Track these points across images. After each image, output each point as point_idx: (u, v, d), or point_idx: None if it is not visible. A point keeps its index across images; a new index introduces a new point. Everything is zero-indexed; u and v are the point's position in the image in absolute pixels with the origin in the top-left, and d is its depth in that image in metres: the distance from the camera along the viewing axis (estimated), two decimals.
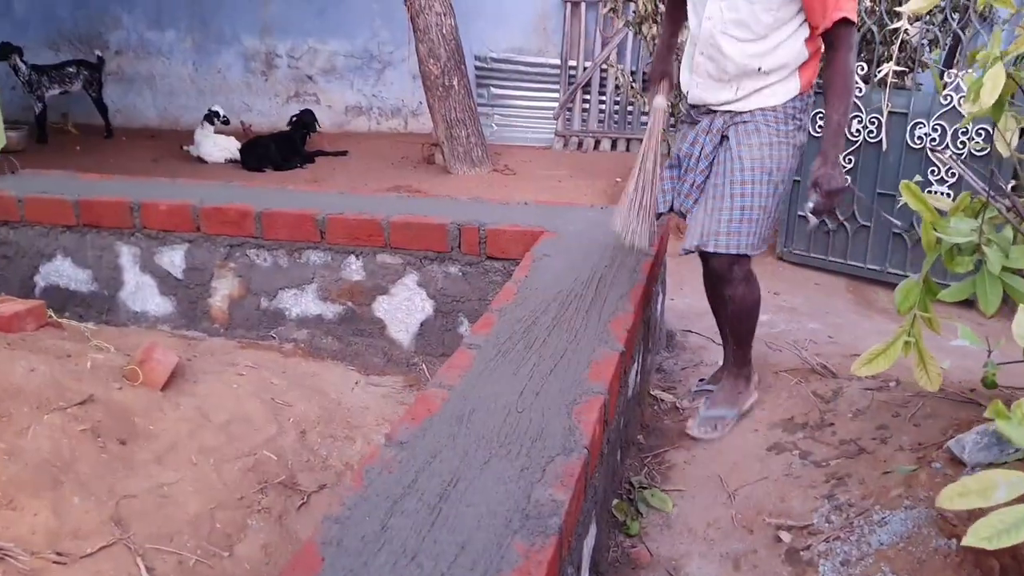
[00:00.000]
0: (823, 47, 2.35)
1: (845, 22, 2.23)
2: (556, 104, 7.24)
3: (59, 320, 2.80)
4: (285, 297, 3.20)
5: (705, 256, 2.52)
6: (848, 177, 2.37)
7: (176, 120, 7.98)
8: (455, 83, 5.91)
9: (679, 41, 2.70)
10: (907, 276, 3.90)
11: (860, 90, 3.77)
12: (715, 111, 2.45)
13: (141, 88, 8.13)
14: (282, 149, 6.44)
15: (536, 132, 7.37)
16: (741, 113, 2.42)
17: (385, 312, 3.14)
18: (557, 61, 7.20)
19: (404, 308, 3.12)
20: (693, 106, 2.56)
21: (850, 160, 3.85)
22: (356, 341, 3.17)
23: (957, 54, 4.26)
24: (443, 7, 5.78)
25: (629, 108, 7.01)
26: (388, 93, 7.76)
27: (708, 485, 2.28)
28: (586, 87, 7.15)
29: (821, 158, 2.32)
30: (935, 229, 1.49)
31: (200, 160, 6.72)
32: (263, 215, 3.11)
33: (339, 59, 7.72)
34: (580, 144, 7.14)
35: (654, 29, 4.58)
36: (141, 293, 3.32)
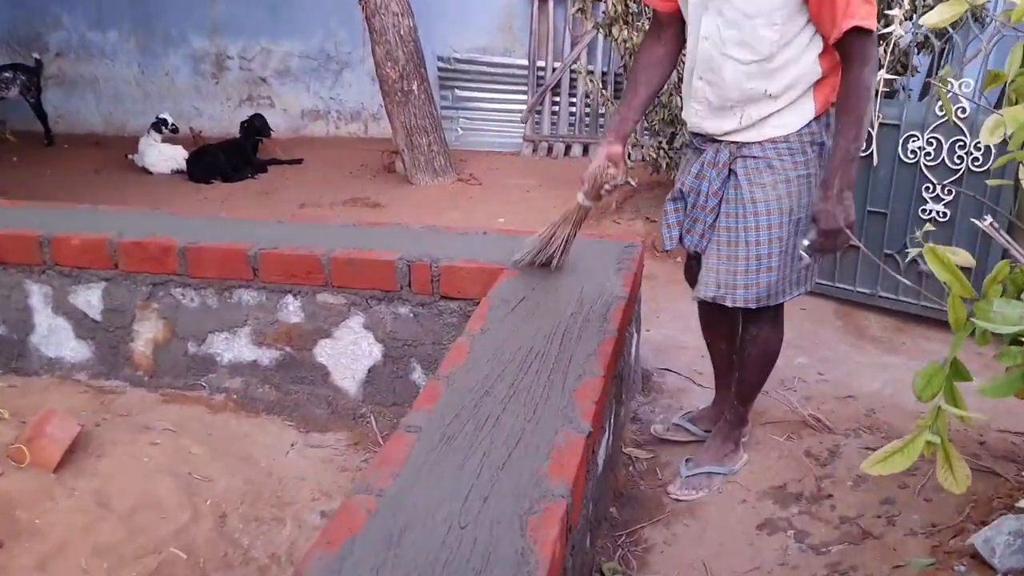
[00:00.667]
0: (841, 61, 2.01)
1: (858, 31, 1.90)
2: (524, 107, 6.90)
3: None
4: (216, 341, 2.85)
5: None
6: (851, 214, 2.06)
7: (123, 126, 7.54)
8: (415, 88, 5.55)
9: (646, 99, 2.33)
10: (899, 300, 3.70)
11: None
12: (720, 140, 2.16)
13: (84, 92, 7.67)
14: (232, 158, 6.05)
15: (503, 136, 7.02)
16: (749, 145, 2.11)
17: (328, 357, 2.80)
18: (524, 61, 6.86)
19: (349, 353, 2.78)
20: (695, 134, 2.26)
21: None
22: (296, 390, 2.83)
23: (945, 58, 3.99)
24: (400, 7, 5.42)
25: (601, 111, 6.69)
26: (347, 96, 7.38)
27: (691, 575, 1.97)
28: (555, 89, 6.82)
29: (823, 190, 2.02)
30: (977, 316, 1.18)
31: (145, 171, 6.31)
32: (188, 250, 2.76)
33: (294, 60, 7.31)
34: (550, 149, 6.81)
35: (624, 32, 4.27)
36: (55, 337, 2.95)
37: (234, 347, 2.85)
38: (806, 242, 2.08)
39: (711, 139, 2.19)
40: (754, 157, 2.11)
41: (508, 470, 1.56)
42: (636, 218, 4.73)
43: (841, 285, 3.65)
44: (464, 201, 5.45)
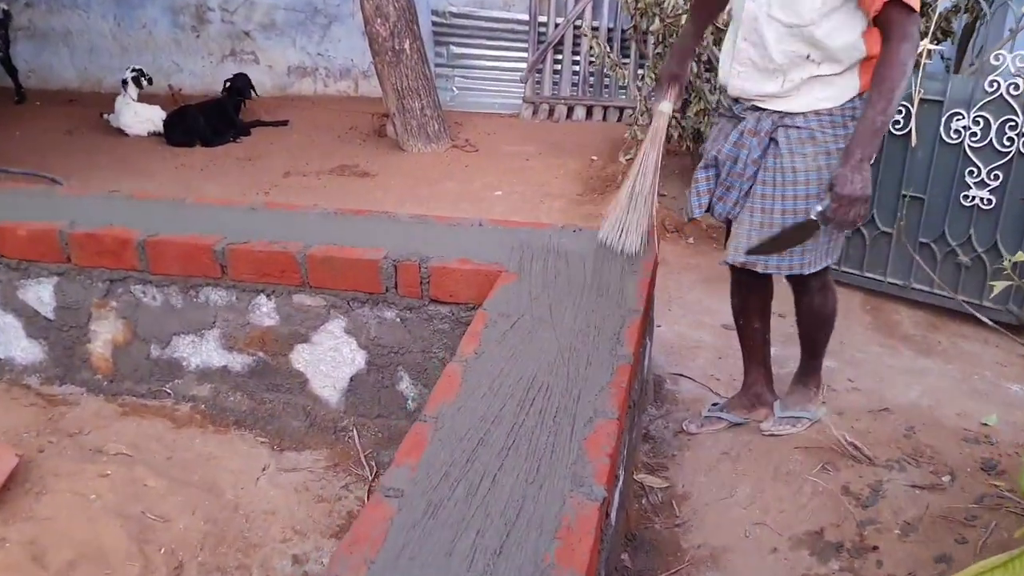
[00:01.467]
0: None
1: (899, 6, 1.89)
2: (524, 66, 6.51)
3: None
4: (181, 344, 2.56)
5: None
6: (868, 187, 1.98)
7: (98, 82, 7.13)
8: (406, 47, 5.17)
9: (704, 38, 2.38)
10: (933, 294, 3.37)
11: None
12: (762, 109, 2.15)
13: (57, 46, 7.24)
14: (213, 120, 5.68)
15: (502, 98, 6.65)
16: (793, 115, 2.11)
17: (306, 364, 2.51)
18: (525, 16, 6.45)
19: (329, 360, 2.50)
20: (736, 100, 2.23)
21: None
22: (271, 399, 2.55)
23: (980, 25, 3.64)
24: None
25: (607, 72, 6.30)
26: (335, 52, 6.96)
27: None
28: (558, 47, 6.42)
29: (845, 156, 2.00)
30: None
31: (121, 132, 5.94)
32: (147, 243, 2.45)
33: (279, 13, 6.88)
34: (551, 112, 6.44)
35: None
36: (3, 336, 2.67)
37: (202, 351, 2.56)
38: (819, 207, 2.04)
39: (753, 107, 2.17)
40: (797, 127, 2.10)
41: (506, 556, 1.28)
42: None
43: (870, 274, 3.35)
44: (459, 170, 5.12)
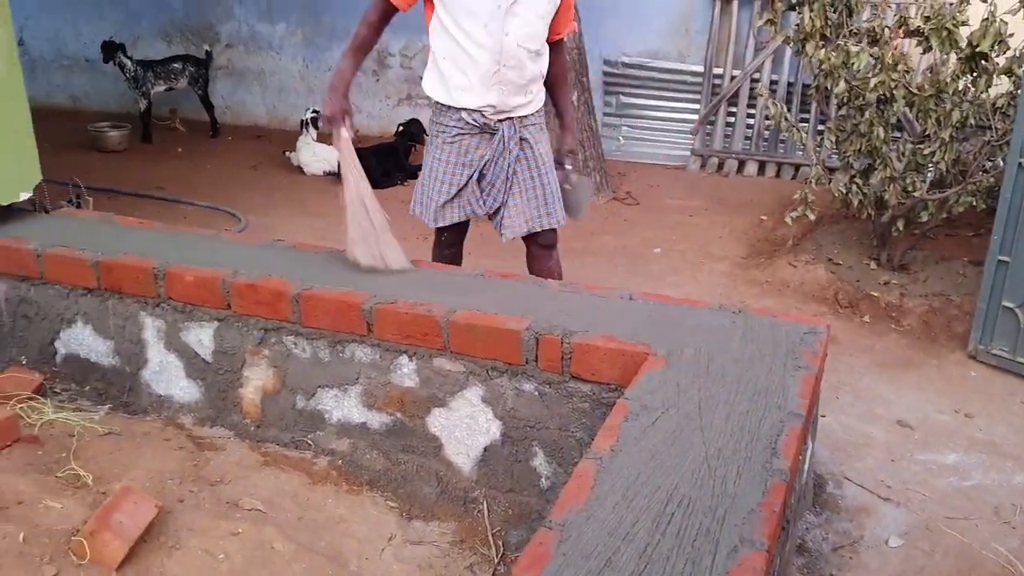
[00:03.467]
0: None
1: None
2: (695, 118, 6.32)
3: (35, 435, 2.28)
4: (325, 397, 2.58)
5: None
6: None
7: (284, 119, 7.56)
8: (573, 99, 5.13)
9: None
10: None
11: None
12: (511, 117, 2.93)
13: (251, 84, 7.76)
14: (383, 163, 5.86)
15: (669, 149, 6.47)
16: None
17: (442, 429, 2.46)
18: (700, 68, 6.26)
19: (465, 427, 2.43)
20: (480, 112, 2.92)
21: None
22: (405, 460, 2.51)
23: None
24: None
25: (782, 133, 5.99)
26: None
27: None
28: (732, 99, 6.19)
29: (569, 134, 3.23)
30: None
31: (299, 170, 6.25)
32: (302, 297, 2.49)
33: None
34: (720, 166, 6.20)
35: (822, 51, 3.64)
36: (166, 374, 2.78)
37: (344, 406, 2.56)
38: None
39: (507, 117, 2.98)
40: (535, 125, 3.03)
41: None
42: (817, 261, 4.11)
43: None
44: (618, 223, 5.00)
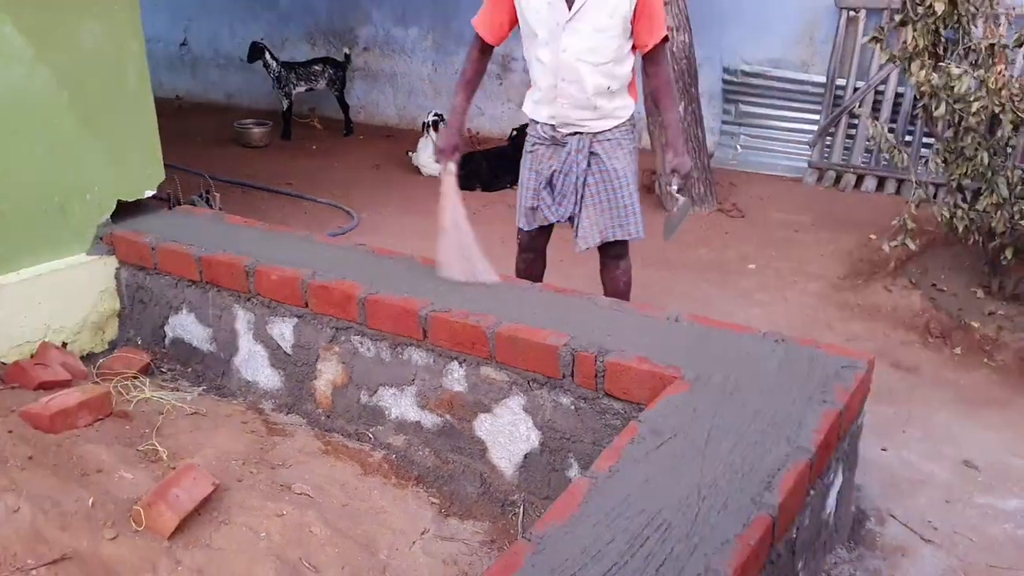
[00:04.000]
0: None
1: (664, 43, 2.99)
2: (815, 129, 6.14)
3: (126, 411, 2.58)
4: (385, 395, 2.77)
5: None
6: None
7: (413, 120, 7.89)
8: (680, 109, 5.11)
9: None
10: None
11: None
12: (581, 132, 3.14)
13: (383, 86, 8.15)
14: (494, 166, 6.04)
15: (787, 160, 6.31)
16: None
17: (487, 433, 2.60)
18: (822, 79, 6.07)
19: (507, 433, 2.56)
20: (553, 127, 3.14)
21: None
22: (453, 459, 2.67)
23: None
24: (676, 21, 5.00)
25: (908, 139, 5.73)
26: None
27: None
28: (854, 112, 5.96)
29: (671, 147, 3.10)
30: None
31: (417, 171, 6.53)
32: (367, 300, 2.69)
33: None
34: (838, 179, 6.00)
35: (926, 71, 3.49)
36: (253, 362, 3.06)
37: (401, 404, 2.74)
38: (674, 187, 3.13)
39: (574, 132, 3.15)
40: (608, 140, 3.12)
41: None
42: (915, 286, 3.95)
43: None
44: (717, 236, 4.95)
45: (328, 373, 2.88)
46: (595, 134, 3.04)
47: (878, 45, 3.79)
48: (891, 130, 5.67)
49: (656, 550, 1.57)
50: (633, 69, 3.03)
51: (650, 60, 3.00)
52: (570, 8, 2.85)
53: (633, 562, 1.54)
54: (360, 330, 2.75)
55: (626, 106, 3.06)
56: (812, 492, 1.95)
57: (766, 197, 5.67)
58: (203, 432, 2.62)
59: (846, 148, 6.04)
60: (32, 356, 2.96)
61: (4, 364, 2.86)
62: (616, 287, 3.30)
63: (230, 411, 2.88)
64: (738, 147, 6.50)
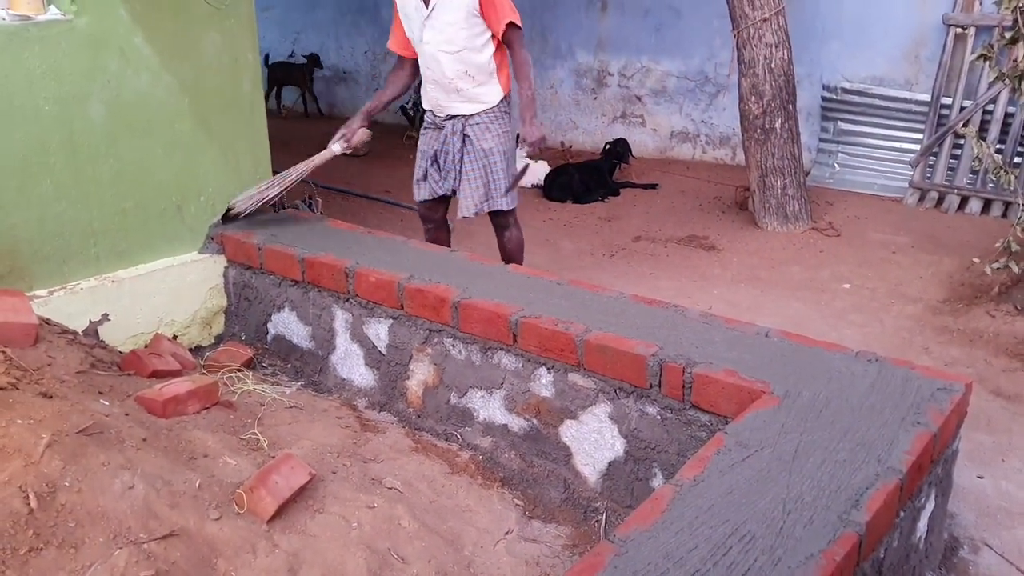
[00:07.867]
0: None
1: (513, 26, 3.49)
2: (917, 148, 5.96)
3: (232, 401, 2.73)
4: (474, 397, 2.85)
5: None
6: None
7: None
8: (777, 125, 5.07)
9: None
10: None
11: None
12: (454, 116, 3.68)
13: None
14: (586, 179, 6.09)
15: (886, 179, 6.15)
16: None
17: (572, 439, 2.64)
18: (926, 97, 5.90)
19: (592, 440, 2.59)
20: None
21: None
22: (538, 464, 2.72)
23: None
24: (776, 37, 4.96)
25: (1017, 160, 5.51)
26: (719, 120, 7.03)
27: None
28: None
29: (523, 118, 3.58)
30: None
31: None
32: (460, 304, 2.77)
33: (671, 80, 7.14)
34: (940, 201, 5.81)
35: None
36: (349, 360, 3.19)
37: (489, 407, 2.81)
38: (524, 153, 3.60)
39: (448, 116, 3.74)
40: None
41: None
42: (1020, 314, 3.80)
43: None
44: (811, 254, 4.87)
45: (420, 373, 2.98)
46: (467, 117, 3.57)
47: (987, 63, 3.68)
48: (999, 151, 5.47)
49: (739, 560, 1.58)
50: (505, 63, 3.58)
51: (506, 44, 3.52)
52: (427, 7, 3.43)
53: (715, 571, 1.56)
54: (452, 333, 2.84)
55: (492, 92, 3.56)
56: (902, 514, 1.92)
57: (863, 216, 5.54)
58: (301, 425, 2.75)
59: (950, 168, 5.85)
60: (146, 346, 3.15)
61: (121, 352, 3.06)
62: (504, 251, 3.93)
63: (326, 406, 3.00)
64: (835, 165, 6.37)
